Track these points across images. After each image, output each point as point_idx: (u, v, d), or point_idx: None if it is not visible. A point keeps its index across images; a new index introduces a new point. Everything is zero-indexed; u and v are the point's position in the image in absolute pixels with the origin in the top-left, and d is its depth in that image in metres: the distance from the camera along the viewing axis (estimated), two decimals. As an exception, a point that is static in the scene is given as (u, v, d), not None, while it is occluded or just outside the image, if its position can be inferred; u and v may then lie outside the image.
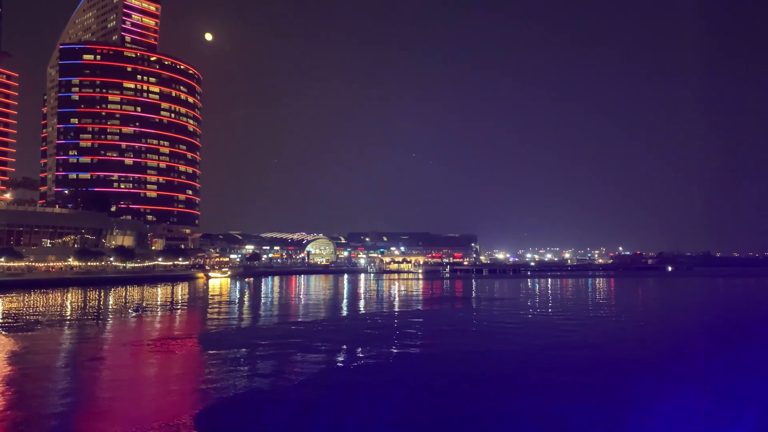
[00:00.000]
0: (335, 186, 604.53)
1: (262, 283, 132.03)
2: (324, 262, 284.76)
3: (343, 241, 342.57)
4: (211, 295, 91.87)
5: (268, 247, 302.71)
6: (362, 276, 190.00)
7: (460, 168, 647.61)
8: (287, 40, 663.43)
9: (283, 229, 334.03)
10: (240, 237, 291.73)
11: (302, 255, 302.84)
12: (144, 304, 73.41)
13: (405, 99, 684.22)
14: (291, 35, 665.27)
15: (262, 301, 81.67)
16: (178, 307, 71.23)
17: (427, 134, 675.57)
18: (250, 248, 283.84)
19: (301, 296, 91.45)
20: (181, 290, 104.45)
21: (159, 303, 76.67)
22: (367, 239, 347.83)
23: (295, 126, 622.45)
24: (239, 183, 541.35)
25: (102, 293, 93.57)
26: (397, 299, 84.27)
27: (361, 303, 75.50)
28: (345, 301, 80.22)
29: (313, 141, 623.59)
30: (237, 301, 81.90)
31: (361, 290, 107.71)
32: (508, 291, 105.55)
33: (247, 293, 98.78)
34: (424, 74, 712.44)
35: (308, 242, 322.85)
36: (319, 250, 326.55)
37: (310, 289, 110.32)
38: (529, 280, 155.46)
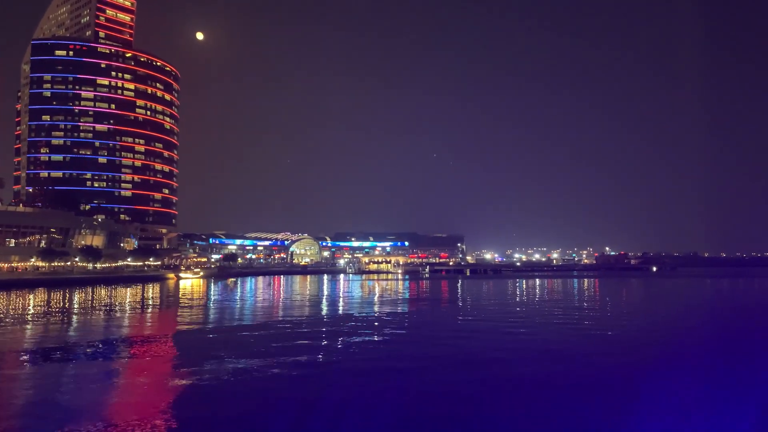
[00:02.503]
0: (324, 186, 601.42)
1: (226, 284, 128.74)
2: (304, 263, 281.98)
3: (329, 241, 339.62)
4: (165, 298, 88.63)
5: (251, 247, 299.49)
6: (341, 276, 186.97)
7: (450, 167, 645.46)
8: (274, 37, 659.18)
9: (270, 229, 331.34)
10: (224, 237, 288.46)
11: (284, 255, 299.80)
12: (77, 308, 70.09)
13: (394, 99, 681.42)
14: (278, 33, 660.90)
15: (202, 304, 78.46)
16: (109, 311, 67.88)
17: (418, 134, 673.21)
18: (232, 248, 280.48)
19: (253, 299, 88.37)
20: (140, 292, 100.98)
21: (96, 306, 73.29)
22: (352, 239, 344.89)
23: (285, 125, 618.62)
24: (228, 183, 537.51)
25: (51, 295, 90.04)
26: (339, 302, 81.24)
27: (297, 308, 72.26)
28: (286, 306, 77.11)
29: (302, 140, 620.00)
30: (181, 303, 78.57)
31: (320, 293, 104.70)
32: (472, 292, 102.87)
33: (201, 295, 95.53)
34: (411, 73, 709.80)
35: (293, 242, 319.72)
36: (304, 250, 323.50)
37: (270, 292, 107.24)
38: (504, 280, 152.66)
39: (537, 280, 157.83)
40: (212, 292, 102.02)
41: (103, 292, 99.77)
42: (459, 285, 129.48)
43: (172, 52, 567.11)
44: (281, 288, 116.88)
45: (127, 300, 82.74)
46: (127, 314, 62.67)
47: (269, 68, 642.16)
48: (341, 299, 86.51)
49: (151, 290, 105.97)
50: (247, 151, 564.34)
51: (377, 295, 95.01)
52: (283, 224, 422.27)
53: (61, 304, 75.48)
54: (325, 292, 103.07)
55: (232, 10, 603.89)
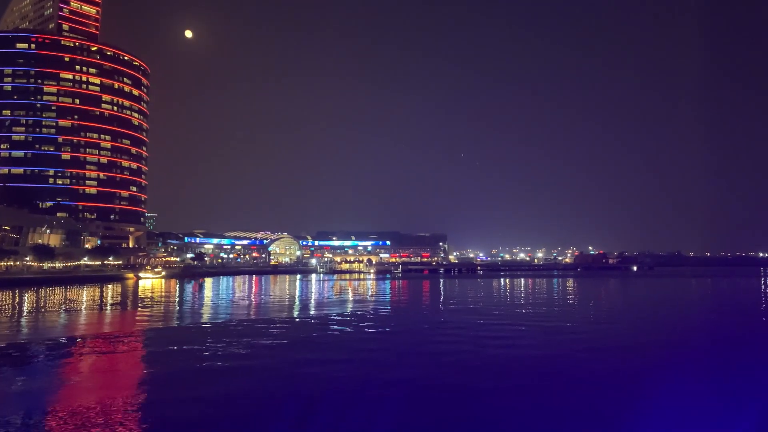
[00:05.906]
0: (307, 185, 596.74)
1: (198, 284, 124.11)
2: (275, 262, 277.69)
3: (310, 240, 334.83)
4: (95, 302, 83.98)
5: (229, 247, 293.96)
6: (312, 277, 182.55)
7: (437, 166, 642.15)
8: (256, 34, 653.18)
9: (251, 227, 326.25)
10: (202, 236, 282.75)
11: (260, 255, 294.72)
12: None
13: (377, 98, 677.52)
14: (259, 30, 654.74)
15: (119, 309, 73.97)
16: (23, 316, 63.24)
17: (405, 133, 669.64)
18: (209, 247, 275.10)
19: (184, 301, 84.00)
20: (83, 294, 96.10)
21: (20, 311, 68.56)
22: (334, 238, 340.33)
23: (273, 124, 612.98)
24: (212, 182, 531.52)
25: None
26: (260, 306, 77.01)
27: (212, 313, 67.96)
28: (200, 310, 72.87)
29: (289, 139, 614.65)
30: (104, 307, 73.99)
31: (258, 296, 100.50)
32: (419, 294, 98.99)
33: (142, 297, 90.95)
34: (395, 73, 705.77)
35: (272, 241, 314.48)
36: (284, 250, 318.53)
37: (211, 295, 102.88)
38: (473, 280, 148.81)
39: (507, 279, 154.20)
40: (154, 295, 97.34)
41: (42, 293, 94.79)
42: (412, 286, 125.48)
43: (154, 49, 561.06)
44: (232, 290, 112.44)
45: (52, 303, 77.98)
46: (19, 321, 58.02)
47: (253, 66, 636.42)
48: (272, 302, 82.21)
49: (98, 292, 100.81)
50: (232, 149, 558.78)
51: (313, 298, 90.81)
52: (266, 223, 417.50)
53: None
54: (261, 294, 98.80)
55: (208, 6, 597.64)
